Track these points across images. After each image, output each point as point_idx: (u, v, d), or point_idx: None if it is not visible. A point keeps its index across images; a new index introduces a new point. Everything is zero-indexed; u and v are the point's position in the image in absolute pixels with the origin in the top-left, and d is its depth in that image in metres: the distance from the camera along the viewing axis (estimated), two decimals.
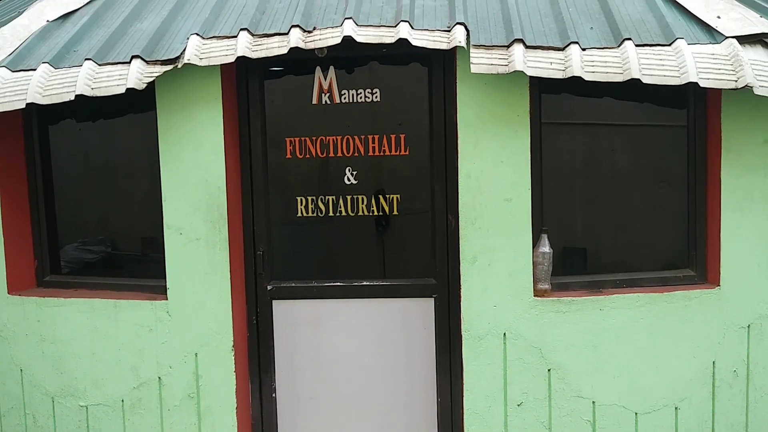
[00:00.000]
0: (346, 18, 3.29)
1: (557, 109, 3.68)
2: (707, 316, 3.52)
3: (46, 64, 3.45)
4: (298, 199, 3.79)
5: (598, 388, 3.52)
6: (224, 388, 3.65)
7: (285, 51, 3.28)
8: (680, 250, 3.74)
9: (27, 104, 3.36)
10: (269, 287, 3.78)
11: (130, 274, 3.98)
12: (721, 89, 3.27)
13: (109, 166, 4.05)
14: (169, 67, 3.36)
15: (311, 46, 3.31)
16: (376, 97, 3.72)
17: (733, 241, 3.52)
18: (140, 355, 3.68)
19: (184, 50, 3.34)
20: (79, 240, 4.16)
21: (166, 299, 3.63)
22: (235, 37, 3.35)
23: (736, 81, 3.10)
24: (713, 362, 3.54)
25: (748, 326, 3.55)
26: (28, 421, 3.89)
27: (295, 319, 3.81)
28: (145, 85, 3.33)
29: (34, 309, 3.79)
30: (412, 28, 3.28)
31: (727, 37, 3.27)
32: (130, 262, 4.11)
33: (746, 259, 3.53)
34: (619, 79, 3.14)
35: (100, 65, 3.40)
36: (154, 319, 3.64)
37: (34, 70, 3.45)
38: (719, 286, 3.53)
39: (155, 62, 3.37)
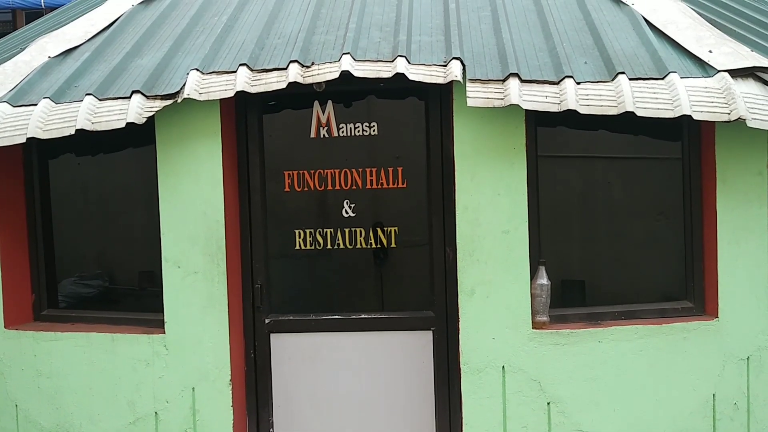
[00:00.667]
0: (344, 53, 3.34)
1: (553, 142, 3.72)
2: (706, 348, 3.50)
3: (47, 99, 3.48)
4: (297, 231, 3.80)
5: (597, 422, 3.49)
6: (221, 424, 3.61)
7: (284, 86, 3.32)
8: (678, 281, 3.74)
9: (27, 139, 3.38)
10: (267, 320, 3.77)
11: (127, 309, 3.97)
12: (714, 122, 3.31)
13: (107, 200, 4.07)
14: (168, 102, 3.39)
15: (309, 80, 3.35)
16: (374, 130, 3.75)
17: (730, 272, 3.52)
18: (137, 390, 3.65)
19: (184, 85, 3.38)
20: (77, 274, 4.15)
21: (164, 333, 3.62)
22: (235, 72, 3.40)
23: (729, 114, 3.14)
24: (713, 395, 3.52)
25: (748, 358, 3.53)
26: None
27: (293, 353, 3.79)
28: (145, 119, 3.37)
29: (31, 343, 3.76)
30: (409, 62, 3.33)
31: (719, 71, 3.32)
32: (128, 296, 4.10)
33: (744, 290, 3.53)
34: (614, 112, 3.17)
35: (100, 100, 3.44)
36: (152, 353, 3.62)
37: (35, 105, 3.48)
38: (717, 317, 3.52)
39: (155, 97, 3.41)
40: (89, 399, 3.71)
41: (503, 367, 3.47)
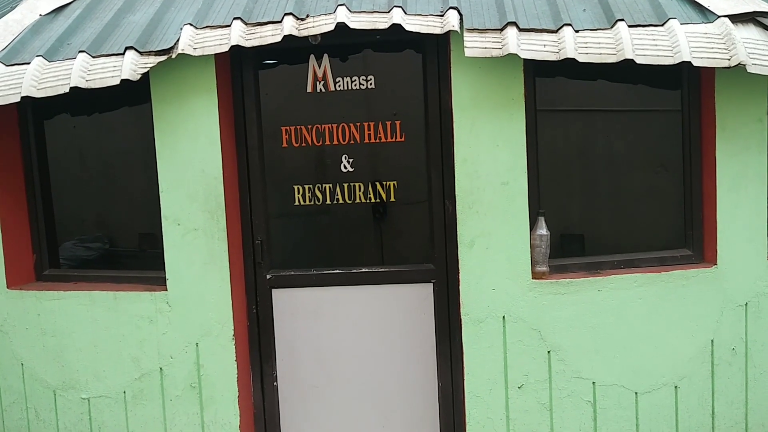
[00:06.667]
0: (339, 4, 3.29)
1: (552, 95, 3.69)
2: (705, 294, 3.54)
3: (40, 58, 3.45)
4: (295, 187, 3.80)
5: (597, 369, 3.54)
6: (226, 378, 3.66)
7: (279, 39, 3.28)
8: (677, 230, 3.75)
9: (22, 98, 3.36)
10: (268, 276, 3.79)
11: (128, 268, 3.98)
12: (714, 68, 3.28)
13: (104, 160, 4.05)
14: (163, 58, 3.36)
15: (305, 33, 3.31)
16: (371, 84, 3.72)
17: (729, 219, 3.53)
18: (141, 347, 3.69)
19: (178, 40, 3.34)
20: (77, 237, 4.16)
21: (166, 290, 3.64)
22: (229, 26, 3.35)
23: (729, 59, 3.11)
24: (711, 341, 3.56)
25: (746, 304, 3.56)
26: (30, 415, 3.90)
27: (294, 308, 3.82)
28: (139, 76, 3.33)
29: (34, 303, 3.79)
30: (405, 13, 3.28)
31: (719, 16, 3.28)
32: (128, 258, 4.11)
33: (742, 237, 3.54)
34: (613, 59, 3.14)
35: (94, 57, 3.40)
36: (155, 310, 3.65)
37: (28, 63, 3.45)
38: (716, 265, 3.55)
39: (149, 53, 3.38)
40: (94, 356, 3.75)
41: (503, 317, 3.50)
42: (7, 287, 3.85)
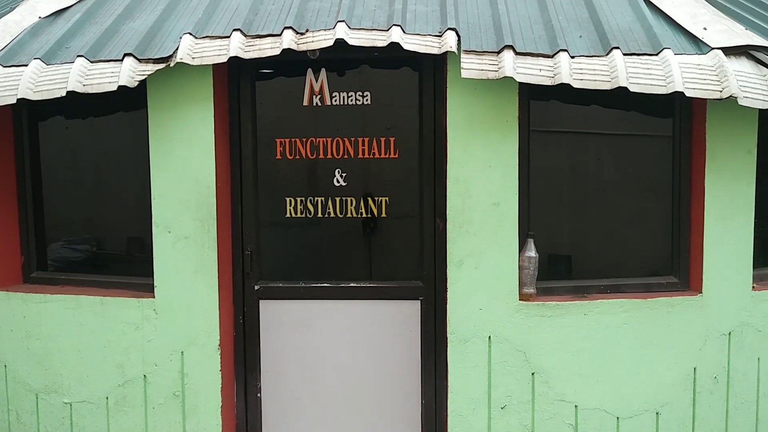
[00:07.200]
0: (338, 21, 3.32)
1: (546, 116, 3.72)
2: (689, 322, 3.57)
3: (38, 60, 3.45)
4: (287, 199, 3.81)
5: (580, 393, 3.56)
6: (210, 388, 3.66)
7: (277, 52, 3.29)
8: (664, 257, 3.79)
9: (18, 99, 3.36)
10: (257, 287, 3.79)
11: (115, 273, 3.97)
12: (706, 99, 3.33)
13: (97, 164, 4.05)
14: (161, 66, 3.37)
15: (303, 47, 3.33)
16: (367, 100, 3.75)
17: (716, 249, 3.57)
18: (126, 353, 3.68)
19: (177, 49, 3.35)
20: (64, 239, 4.15)
21: (154, 297, 3.64)
22: (228, 37, 3.37)
23: (721, 91, 3.15)
24: (694, 368, 3.59)
25: (729, 333, 3.60)
26: (11, 417, 3.87)
27: (281, 319, 3.82)
28: (137, 83, 3.34)
29: (20, 305, 3.78)
30: (404, 32, 3.31)
31: (712, 48, 3.32)
32: (115, 261, 4.10)
33: (728, 267, 3.59)
34: (607, 87, 3.18)
35: (92, 62, 3.41)
36: (141, 317, 3.64)
37: (26, 65, 3.45)
38: (701, 293, 3.58)
39: (147, 60, 3.38)
40: (78, 361, 3.74)
41: (489, 337, 3.52)
42: None
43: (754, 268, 3.64)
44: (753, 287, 3.63)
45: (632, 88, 3.15)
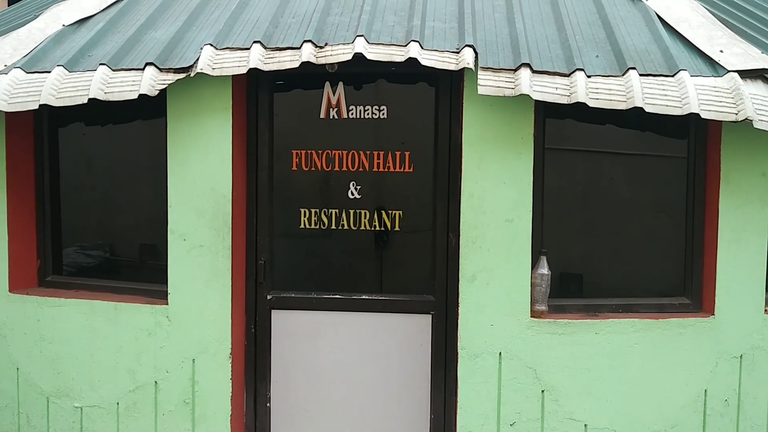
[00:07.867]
0: (357, 35, 3.36)
1: (561, 134, 3.74)
2: (701, 344, 3.55)
3: (61, 67, 3.50)
4: (302, 211, 3.84)
5: (590, 411, 3.55)
6: (220, 396, 3.67)
7: (297, 65, 3.34)
8: (677, 278, 3.78)
9: (40, 105, 3.41)
10: (269, 297, 3.81)
11: (128, 279, 4.00)
12: (721, 121, 3.34)
13: (114, 171, 4.09)
14: (181, 76, 3.41)
15: (322, 61, 3.37)
16: (383, 114, 3.78)
17: (729, 271, 3.56)
18: (138, 359, 3.71)
19: (198, 60, 3.40)
20: (78, 244, 4.19)
21: (167, 304, 3.66)
22: (248, 49, 3.41)
23: (736, 114, 3.16)
24: (705, 390, 3.58)
25: (741, 356, 3.58)
26: (22, 420, 3.90)
27: (293, 330, 3.84)
28: (157, 92, 3.39)
29: (35, 308, 3.81)
30: (422, 48, 3.35)
31: (729, 71, 3.34)
32: (127, 268, 4.14)
33: (741, 289, 3.57)
34: (623, 106, 3.20)
35: (114, 70, 3.46)
36: (154, 324, 3.67)
37: (49, 72, 3.50)
38: (714, 315, 3.57)
39: (168, 70, 3.43)
40: (90, 365, 3.76)
41: (500, 353, 3.52)
42: (9, 291, 3.88)
43: (766, 291, 3.63)
44: (765, 310, 3.61)
45: (648, 109, 3.16)
